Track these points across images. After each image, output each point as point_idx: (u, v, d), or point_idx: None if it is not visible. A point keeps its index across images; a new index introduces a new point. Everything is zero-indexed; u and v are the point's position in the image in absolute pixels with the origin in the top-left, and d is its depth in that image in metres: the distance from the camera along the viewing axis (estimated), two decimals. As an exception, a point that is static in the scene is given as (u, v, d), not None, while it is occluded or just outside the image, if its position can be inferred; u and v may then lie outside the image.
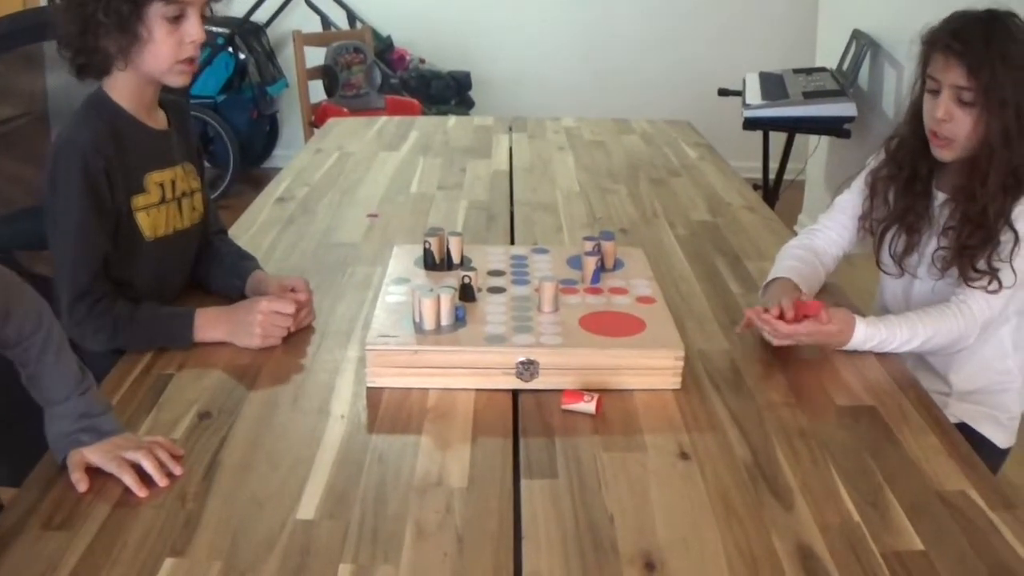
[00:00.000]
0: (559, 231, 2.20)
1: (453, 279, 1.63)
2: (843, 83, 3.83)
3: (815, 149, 4.32)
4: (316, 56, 4.68)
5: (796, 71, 4.16)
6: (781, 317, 1.54)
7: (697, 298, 1.83)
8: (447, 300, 1.49)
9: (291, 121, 5.33)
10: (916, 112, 1.66)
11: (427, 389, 1.45)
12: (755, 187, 3.38)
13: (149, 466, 1.20)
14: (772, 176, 4.14)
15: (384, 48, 5.20)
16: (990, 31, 1.53)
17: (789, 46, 5.01)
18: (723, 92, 4.35)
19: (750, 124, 3.83)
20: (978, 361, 1.69)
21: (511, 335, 1.48)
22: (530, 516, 1.16)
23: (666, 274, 1.91)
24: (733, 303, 1.81)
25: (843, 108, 3.66)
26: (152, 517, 1.14)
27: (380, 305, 1.58)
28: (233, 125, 4.86)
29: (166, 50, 1.50)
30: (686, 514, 1.18)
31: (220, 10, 4.85)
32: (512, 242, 2.13)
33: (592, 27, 5.40)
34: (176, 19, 1.49)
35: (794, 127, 3.88)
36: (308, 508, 1.17)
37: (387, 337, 1.47)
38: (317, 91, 4.75)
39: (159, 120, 1.64)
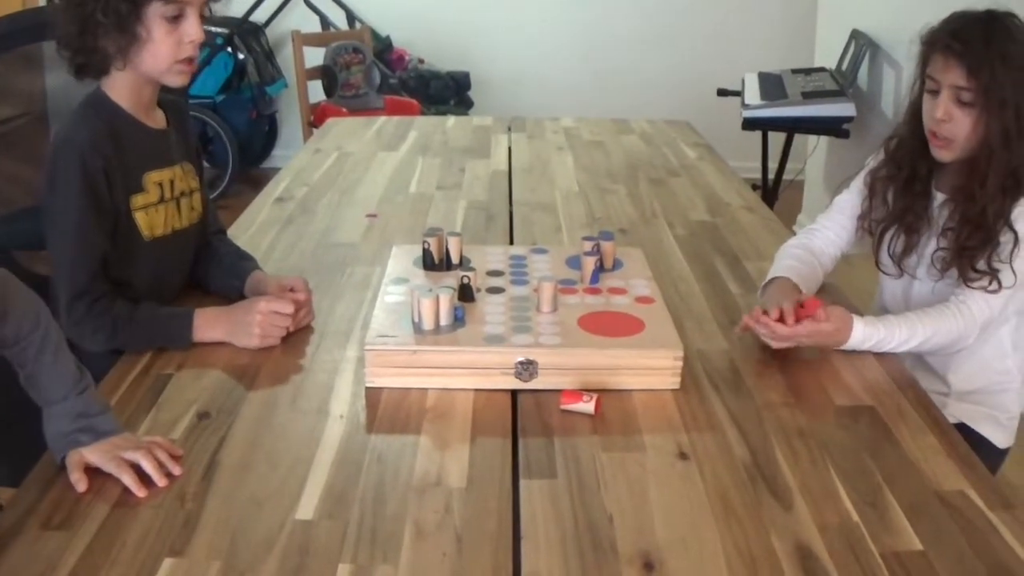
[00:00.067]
0: (558, 231, 2.20)
1: (452, 279, 1.63)
2: (842, 83, 3.83)
3: (814, 149, 4.32)
4: (315, 56, 4.68)
5: (795, 71, 4.16)
6: (780, 320, 1.54)
7: (696, 298, 1.83)
8: (446, 300, 1.49)
9: (290, 121, 5.33)
10: (915, 112, 1.66)
11: (426, 389, 1.45)
12: (754, 187, 3.38)
13: (148, 466, 1.20)
14: (771, 176, 4.14)
15: (383, 48, 5.20)
16: (990, 31, 1.53)
17: (788, 46, 5.01)
18: (722, 92, 4.35)
19: (749, 124, 3.83)
20: (977, 361, 1.69)
21: (510, 335, 1.48)
22: (529, 516, 1.16)
23: (665, 274, 1.91)
24: (732, 303, 1.81)
25: (842, 108, 3.66)
26: (151, 517, 1.14)
27: (379, 305, 1.58)
28: (232, 125, 4.85)
29: (165, 50, 1.50)
30: (685, 514, 1.18)
31: (219, 10, 4.85)
32: (511, 242, 2.13)
33: (592, 27, 5.40)
34: (175, 19, 1.49)
35: (793, 127, 3.87)
36: (307, 508, 1.17)
37: (386, 337, 1.47)
38: (316, 91, 4.76)
39: (158, 120, 1.64)
